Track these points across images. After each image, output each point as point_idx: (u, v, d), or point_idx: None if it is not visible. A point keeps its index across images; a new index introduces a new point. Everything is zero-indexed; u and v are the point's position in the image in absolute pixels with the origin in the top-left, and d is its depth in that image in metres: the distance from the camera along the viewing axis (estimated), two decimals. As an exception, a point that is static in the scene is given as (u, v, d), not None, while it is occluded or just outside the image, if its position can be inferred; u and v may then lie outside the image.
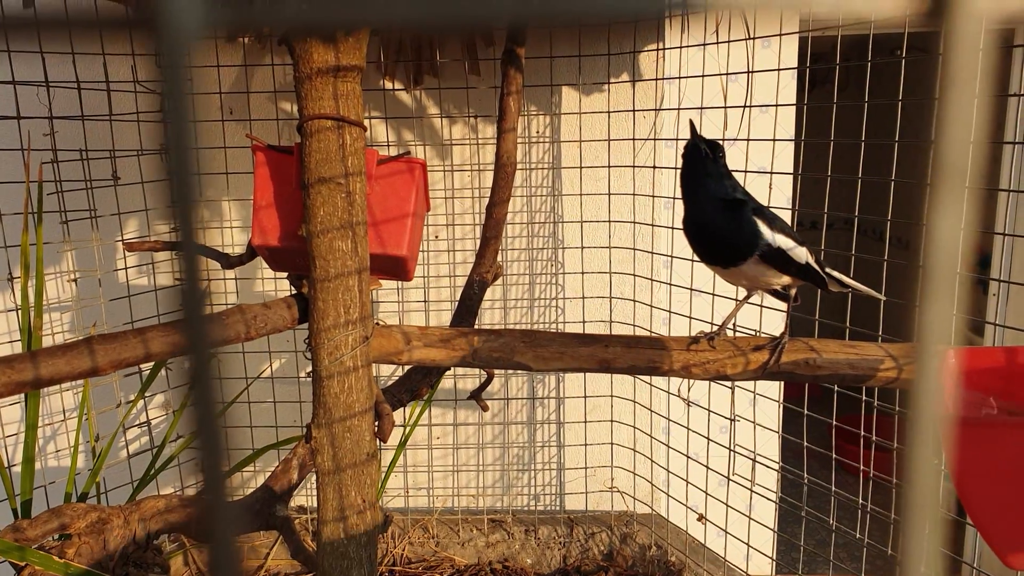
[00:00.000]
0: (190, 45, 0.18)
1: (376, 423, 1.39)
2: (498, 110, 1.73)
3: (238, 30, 2.07)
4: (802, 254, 1.27)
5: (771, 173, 1.79)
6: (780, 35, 1.79)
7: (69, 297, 2.21)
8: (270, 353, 2.33)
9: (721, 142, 1.35)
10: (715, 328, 1.38)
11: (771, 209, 1.34)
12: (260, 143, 1.45)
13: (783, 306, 1.45)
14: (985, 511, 0.86)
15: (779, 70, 1.82)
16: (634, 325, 2.26)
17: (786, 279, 1.30)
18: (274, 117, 2.22)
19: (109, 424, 2.16)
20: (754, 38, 1.84)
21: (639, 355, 1.36)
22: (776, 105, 1.79)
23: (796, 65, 2.08)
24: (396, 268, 1.46)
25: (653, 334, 2.20)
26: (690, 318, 2.02)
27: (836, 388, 1.67)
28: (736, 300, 1.50)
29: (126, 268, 2.19)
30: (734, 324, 1.91)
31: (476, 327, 1.85)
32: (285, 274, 1.71)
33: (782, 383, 2.13)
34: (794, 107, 2.10)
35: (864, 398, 1.69)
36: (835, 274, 1.34)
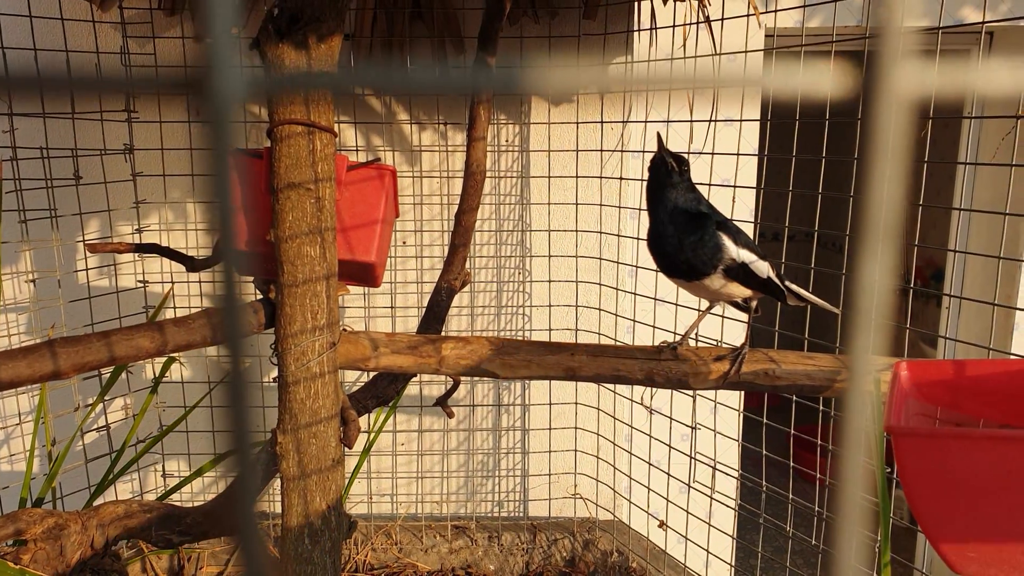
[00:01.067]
0: (233, 109, 0.19)
1: (342, 429, 1.39)
2: (468, 118, 1.74)
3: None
4: (764, 268, 1.31)
5: (735, 187, 1.83)
6: (745, 52, 1.83)
7: (27, 298, 2.16)
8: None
9: (686, 155, 1.37)
10: (678, 338, 1.41)
11: (734, 222, 1.37)
12: (229, 146, 1.44)
13: (745, 317, 1.49)
14: (933, 520, 0.90)
15: (744, 85, 1.86)
16: (599, 334, 2.28)
17: (748, 292, 1.33)
18: (242, 119, 2.20)
19: (66, 428, 2.12)
20: (721, 54, 1.88)
21: (604, 364, 1.38)
22: (740, 120, 1.83)
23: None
24: (365, 274, 1.47)
25: (618, 343, 2.23)
26: (654, 327, 2.05)
27: (794, 398, 1.71)
28: (699, 311, 1.53)
29: (87, 269, 2.16)
30: (696, 334, 1.94)
31: (443, 334, 1.86)
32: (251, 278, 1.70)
33: (742, 393, 2.18)
34: (758, 122, 2.15)
35: (821, 407, 1.74)
36: (794, 288, 1.38)
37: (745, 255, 1.29)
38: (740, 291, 1.32)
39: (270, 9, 1.29)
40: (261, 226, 1.39)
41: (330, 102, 1.32)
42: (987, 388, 1.09)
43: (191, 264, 1.68)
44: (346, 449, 1.45)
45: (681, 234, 1.29)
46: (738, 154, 1.84)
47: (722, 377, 1.35)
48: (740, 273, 1.29)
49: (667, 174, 1.32)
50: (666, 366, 1.35)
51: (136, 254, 2.23)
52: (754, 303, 1.39)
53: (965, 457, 0.87)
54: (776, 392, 1.37)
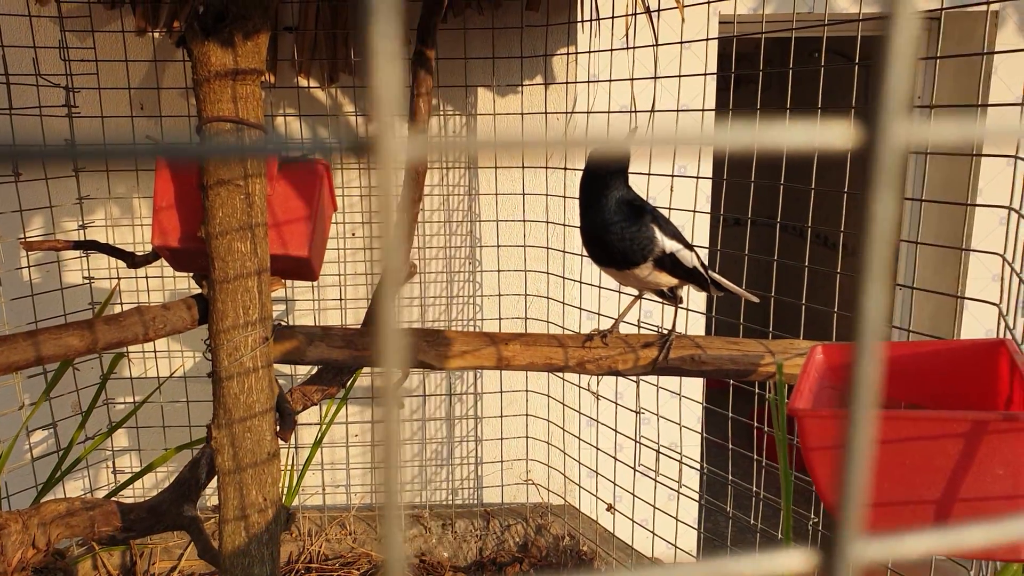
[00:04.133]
0: None
1: (278, 423, 1.40)
2: (408, 111, 1.75)
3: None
4: (689, 257, 1.34)
5: (672, 176, 1.86)
6: (681, 43, 1.86)
7: (-31, 296, 2.14)
8: (183, 352, 2.30)
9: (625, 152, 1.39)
10: (609, 327, 1.44)
11: (662, 211, 1.40)
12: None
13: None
14: (830, 488, 0.94)
15: (680, 76, 1.89)
16: (548, 322, 2.31)
17: (674, 281, 1.36)
18: (186, 114, 2.19)
19: (11, 426, 2.10)
20: (659, 45, 1.90)
21: (536, 353, 1.40)
22: (678, 111, 1.86)
23: (708, 70, 2.16)
24: (300, 269, 1.47)
25: (567, 331, 2.26)
26: (599, 315, 2.08)
27: (731, 383, 1.76)
28: (634, 297, 1.56)
29: (29, 267, 2.14)
30: (638, 321, 1.98)
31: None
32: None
33: (705, 383, 2.21)
34: (703, 112, 2.18)
35: (757, 391, 1.78)
36: (717, 277, 1.41)
37: (672, 245, 1.32)
38: (667, 279, 1.35)
39: (195, 6, 1.29)
40: (194, 223, 1.39)
41: (259, 98, 1.33)
42: (898, 369, 1.13)
43: (131, 260, 1.68)
44: (293, 441, 1.47)
45: (623, 225, 1.31)
46: (675, 143, 1.87)
47: (651, 363, 1.38)
48: (667, 262, 1.32)
49: (622, 168, 1.32)
50: (596, 354, 1.39)
51: (80, 251, 2.21)
52: (680, 292, 1.42)
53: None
54: (704, 376, 1.40)
